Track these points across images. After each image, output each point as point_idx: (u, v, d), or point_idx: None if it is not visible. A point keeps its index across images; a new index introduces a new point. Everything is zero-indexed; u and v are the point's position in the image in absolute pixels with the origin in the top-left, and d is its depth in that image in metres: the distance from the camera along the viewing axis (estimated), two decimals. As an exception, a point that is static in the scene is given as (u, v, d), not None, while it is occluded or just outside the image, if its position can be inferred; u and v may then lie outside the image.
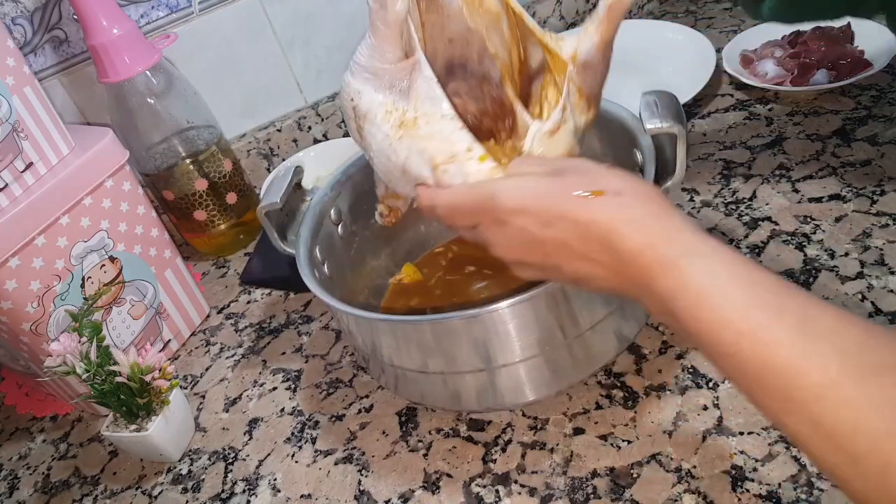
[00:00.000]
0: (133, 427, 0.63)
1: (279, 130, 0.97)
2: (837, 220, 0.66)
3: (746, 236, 0.68)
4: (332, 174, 0.69)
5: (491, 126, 0.53)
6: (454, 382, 0.55)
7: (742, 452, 0.51)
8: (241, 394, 0.71)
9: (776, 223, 0.68)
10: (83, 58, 0.84)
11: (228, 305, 0.83)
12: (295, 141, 0.99)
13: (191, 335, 0.80)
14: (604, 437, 0.55)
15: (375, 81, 0.48)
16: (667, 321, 0.40)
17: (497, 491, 0.54)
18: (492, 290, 0.66)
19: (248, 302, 0.82)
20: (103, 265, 0.69)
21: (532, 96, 0.52)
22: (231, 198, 0.86)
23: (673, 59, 0.92)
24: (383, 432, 0.62)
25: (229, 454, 0.65)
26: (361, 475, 0.59)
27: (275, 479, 0.61)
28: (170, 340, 0.78)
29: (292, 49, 0.95)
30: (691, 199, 0.74)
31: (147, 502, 0.63)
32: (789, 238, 0.66)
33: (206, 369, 0.75)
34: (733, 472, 0.50)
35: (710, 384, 0.56)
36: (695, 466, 0.51)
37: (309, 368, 0.71)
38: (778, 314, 0.34)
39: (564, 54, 0.48)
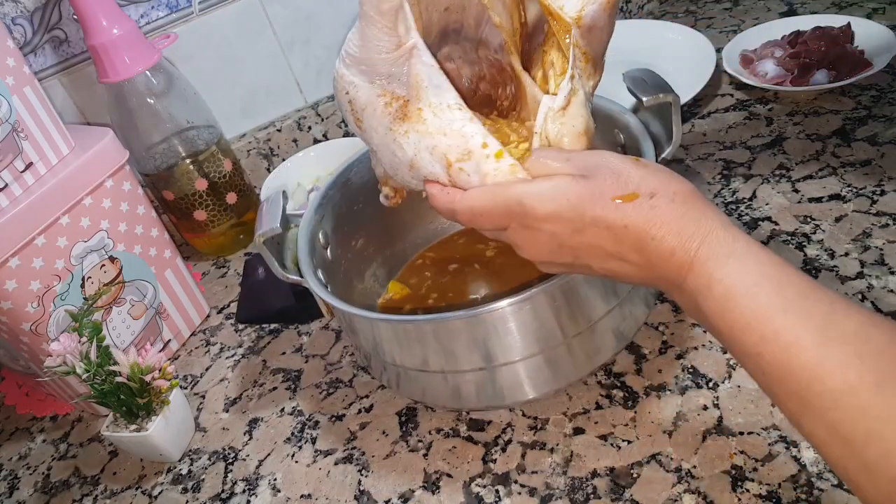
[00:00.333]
0: (133, 427, 0.63)
1: (279, 130, 0.97)
2: (837, 219, 0.66)
3: (746, 236, 0.68)
4: (316, 193, 0.67)
5: (489, 91, 0.50)
6: (455, 380, 0.55)
7: (742, 452, 0.51)
8: (241, 394, 0.71)
9: (776, 223, 0.68)
10: (83, 58, 0.85)
11: (228, 305, 0.83)
12: (295, 141, 0.99)
13: (191, 335, 0.80)
14: (604, 437, 0.55)
15: (371, 72, 0.45)
16: (697, 318, 0.40)
17: (497, 491, 0.54)
18: (483, 282, 0.67)
19: (248, 302, 0.82)
20: (103, 265, 0.69)
21: (533, 60, 0.49)
22: (231, 198, 0.86)
23: (673, 60, 0.92)
24: (383, 432, 0.62)
25: (229, 454, 0.65)
26: (361, 475, 0.59)
27: (275, 479, 0.61)
28: (170, 340, 0.78)
29: (292, 49, 0.95)
30: (691, 199, 0.74)
31: (147, 502, 0.63)
32: (789, 238, 0.66)
33: (206, 369, 0.75)
34: (733, 472, 0.50)
35: (710, 384, 0.56)
36: (695, 466, 0.51)
37: (309, 368, 0.71)
38: (802, 317, 0.34)
39: (568, 16, 0.45)
